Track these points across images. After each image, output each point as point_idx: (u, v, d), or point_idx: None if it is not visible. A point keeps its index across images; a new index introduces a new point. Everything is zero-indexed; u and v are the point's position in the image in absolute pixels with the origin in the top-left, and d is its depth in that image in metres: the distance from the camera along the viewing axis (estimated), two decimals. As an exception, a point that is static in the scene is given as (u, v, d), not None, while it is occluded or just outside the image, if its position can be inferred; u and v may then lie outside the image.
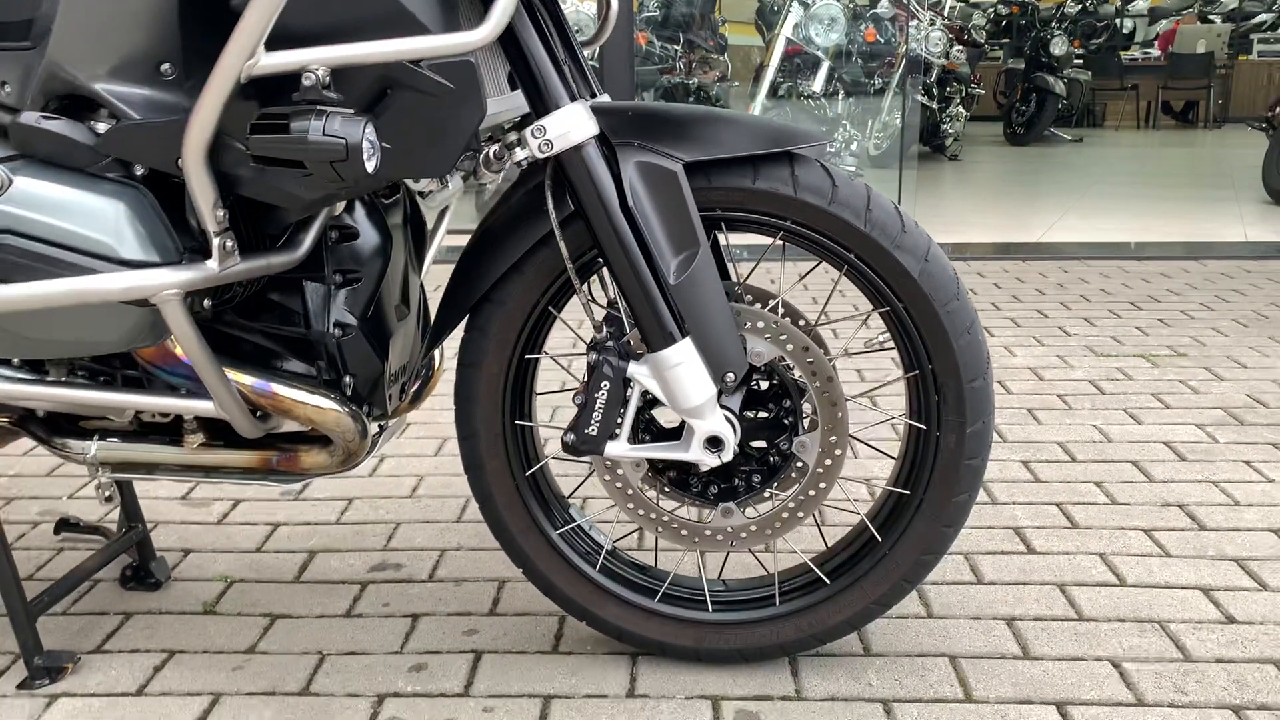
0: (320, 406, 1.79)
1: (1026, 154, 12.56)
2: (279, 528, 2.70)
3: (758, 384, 1.96)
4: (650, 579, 2.05)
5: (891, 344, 1.91)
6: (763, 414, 1.94)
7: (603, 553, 2.02)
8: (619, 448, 1.84)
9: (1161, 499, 2.76)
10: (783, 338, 1.82)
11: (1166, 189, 9.29)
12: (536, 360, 1.99)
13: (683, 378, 1.77)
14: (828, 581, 1.97)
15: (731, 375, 1.79)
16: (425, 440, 3.27)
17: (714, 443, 1.83)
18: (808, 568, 2.00)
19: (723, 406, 1.86)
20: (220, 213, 1.60)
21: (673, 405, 1.80)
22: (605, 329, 1.82)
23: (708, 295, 1.76)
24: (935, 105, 10.84)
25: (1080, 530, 2.60)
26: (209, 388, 1.73)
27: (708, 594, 2.01)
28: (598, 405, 1.82)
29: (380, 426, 1.98)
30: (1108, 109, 16.63)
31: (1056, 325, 4.55)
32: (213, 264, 1.62)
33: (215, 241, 1.61)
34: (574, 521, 2.04)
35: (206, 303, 1.73)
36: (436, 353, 2.17)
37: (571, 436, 1.84)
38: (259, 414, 1.82)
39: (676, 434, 1.88)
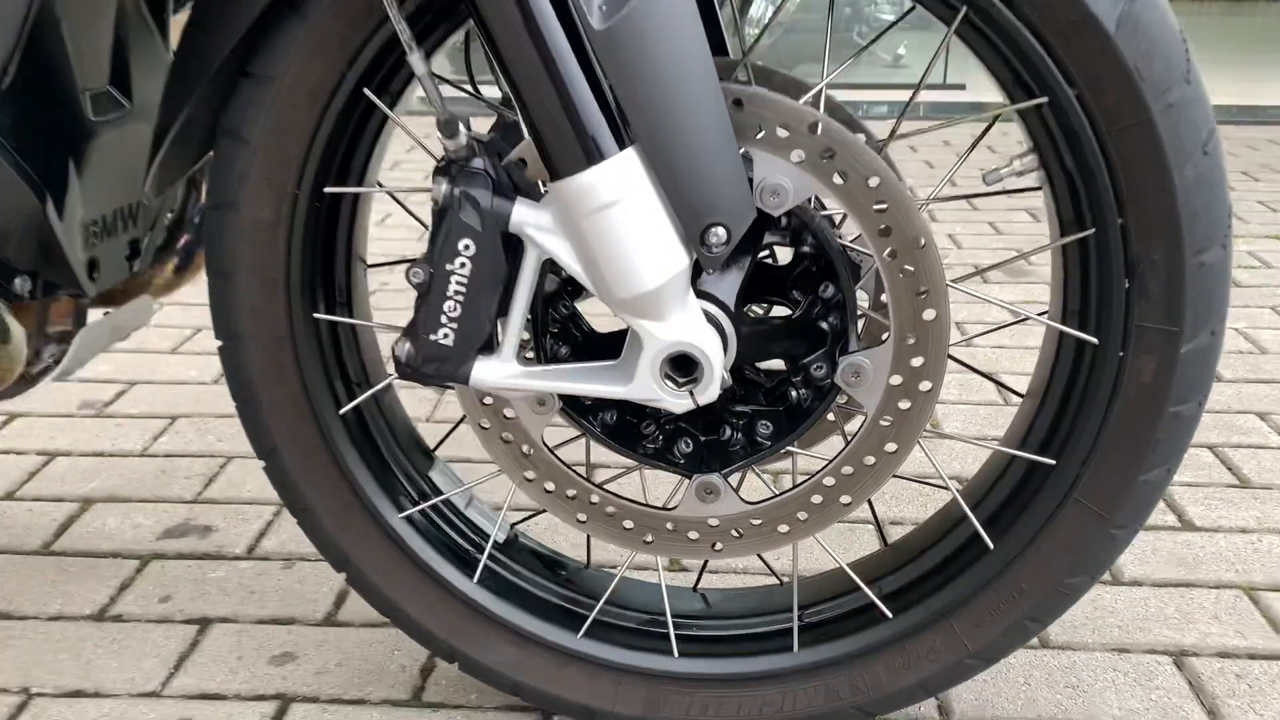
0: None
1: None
2: (54, 459, 1.81)
3: (772, 256, 1.05)
4: (571, 594, 1.16)
5: (1036, 179, 0.99)
6: (781, 311, 1.03)
7: (487, 549, 1.13)
8: (496, 370, 0.93)
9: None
10: (826, 160, 0.90)
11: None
12: (355, 199, 1.07)
13: (619, 231, 0.86)
14: (888, 613, 1.08)
15: (722, 231, 0.88)
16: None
17: (682, 366, 0.92)
18: (850, 584, 1.11)
19: (702, 295, 0.95)
20: None
21: (601, 292, 0.90)
22: (466, 136, 0.89)
23: (676, 64, 0.84)
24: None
25: None
26: None
27: (671, 623, 1.12)
28: (453, 289, 0.91)
29: (74, 321, 1.07)
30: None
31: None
32: None
33: None
34: (434, 497, 1.14)
35: None
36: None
37: (407, 347, 0.93)
38: None
39: (615, 345, 0.97)
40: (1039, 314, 1.03)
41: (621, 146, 0.85)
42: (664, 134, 0.85)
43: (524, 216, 0.89)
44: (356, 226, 1.07)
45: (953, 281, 0.96)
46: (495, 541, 1.14)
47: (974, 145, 1.03)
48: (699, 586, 1.22)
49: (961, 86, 5.43)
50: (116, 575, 1.51)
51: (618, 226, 0.86)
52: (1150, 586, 1.45)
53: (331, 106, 0.96)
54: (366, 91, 0.97)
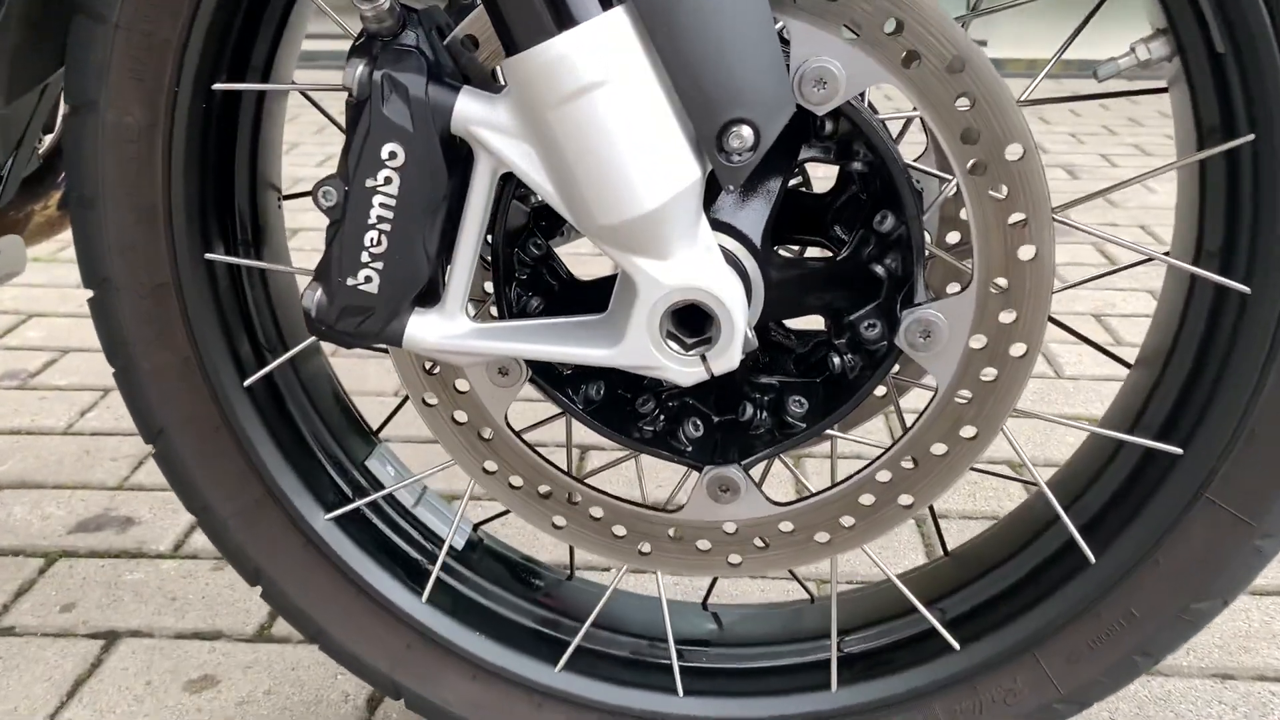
0: None
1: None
2: (-35, 438, 1.57)
3: (806, 182, 0.81)
4: (548, 614, 0.92)
5: (1167, 75, 0.74)
6: (824, 252, 0.79)
7: (439, 558, 0.88)
8: (438, 327, 0.69)
9: None
10: (893, 36, 0.65)
11: None
12: (260, 104, 0.82)
13: (603, 127, 0.61)
14: (954, 643, 0.83)
15: (748, 130, 0.63)
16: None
17: (691, 321, 0.67)
18: (902, 603, 0.86)
19: (719, 226, 0.71)
20: None
21: (578, 216, 0.65)
22: (392, 0, 0.63)
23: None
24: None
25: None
26: None
27: (675, 652, 0.88)
28: (374, 216, 0.66)
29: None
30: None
31: None
32: None
33: None
34: (372, 492, 0.90)
35: None
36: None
37: (318, 295, 0.69)
38: None
39: (601, 297, 0.72)
40: (1162, 253, 0.77)
41: (606, 6, 0.60)
42: (664, -9, 0.60)
43: (472, 111, 0.64)
44: (264, 141, 0.82)
45: (1059, 210, 0.71)
46: (451, 548, 0.90)
47: (1092, 14, 0.77)
48: (709, 602, 0.97)
49: None
50: (15, 577, 1.27)
51: (601, 120, 0.61)
52: (1252, 595, 1.21)
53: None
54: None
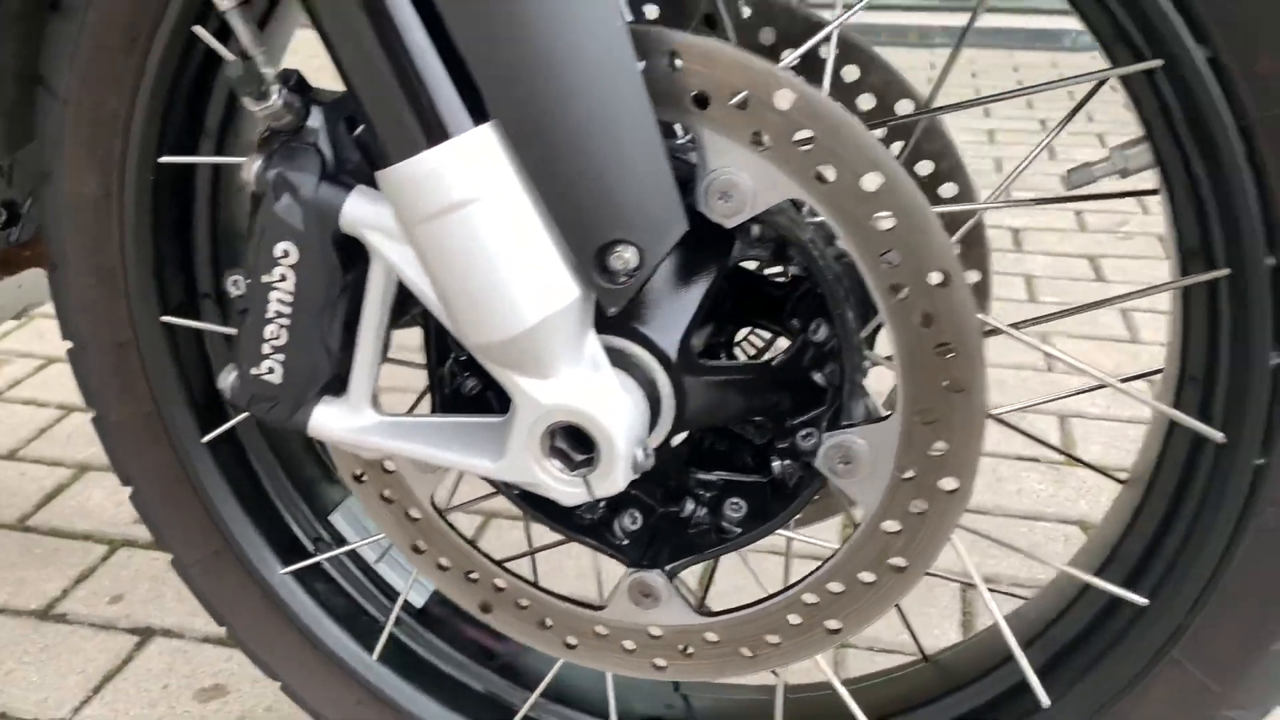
0: None
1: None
2: (70, 415, 1.68)
3: (726, 287, 0.77)
4: (506, 681, 0.91)
5: (1151, 180, 0.66)
6: (736, 357, 0.75)
7: (392, 614, 0.89)
8: (340, 418, 0.68)
9: None
10: (805, 148, 0.59)
11: None
12: (218, 167, 0.82)
13: (472, 246, 0.58)
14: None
15: (630, 253, 0.59)
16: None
17: (576, 440, 0.64)
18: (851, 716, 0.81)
19: (633, 335, 0.67)
20: None
21: (456, 329, 0.62)
22: (283, 95, 0.62)
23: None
24: None
25: None
26: None
27: (625, 734, 0.86)
28: (273, 310, 0.66)
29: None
30: None
31: None
32: None
33: None
34: (335, 548, 0.91)
35: None
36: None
37: (233, 378, 0.69)
38: None
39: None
40: (1132, 378, 0.69)
41: (477, 121, 0.57)
42: (538, 105, 0.56)
43: (360, 213, 0.63)
44: (224, 204, 0.83)
45: (1004, 328, 0.64)
46: (409, 606, 0.90)
47: (1064, 123, 0.69)
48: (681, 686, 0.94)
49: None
50: (80, 562, 1.35)
51: (470, 238, 0.58)
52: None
53: (155, 49, 0.72)
54: (198, 30, 0.71)
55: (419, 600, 0.92)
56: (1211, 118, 0.56)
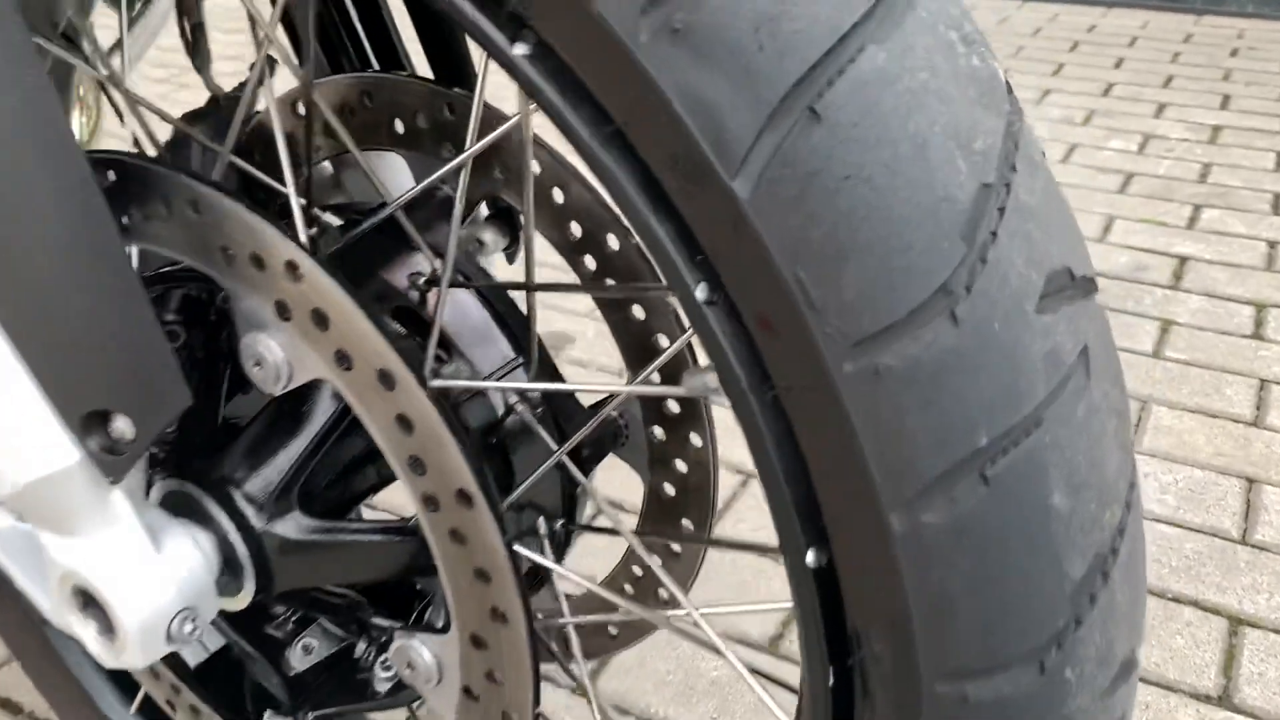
0: None
1: None
2: None
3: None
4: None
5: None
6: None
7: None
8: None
9: None
10: (319, 326, 0.51)
11: None
12: None
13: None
14: None
15: (123, 420, 0.53)
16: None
17: (87, 601, 0.58)
18: None
19: (218, 494, 0.61)
20: None
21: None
22: None
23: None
24: None
25: None
26: None
27: None
28: None
29: None
30: None
31: None
32: None
33: None
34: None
35: None
36: None
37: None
38: None
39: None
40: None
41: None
42: None
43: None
44: None
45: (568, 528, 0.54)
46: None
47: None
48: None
49: None
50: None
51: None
52: None
53: None
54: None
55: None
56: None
